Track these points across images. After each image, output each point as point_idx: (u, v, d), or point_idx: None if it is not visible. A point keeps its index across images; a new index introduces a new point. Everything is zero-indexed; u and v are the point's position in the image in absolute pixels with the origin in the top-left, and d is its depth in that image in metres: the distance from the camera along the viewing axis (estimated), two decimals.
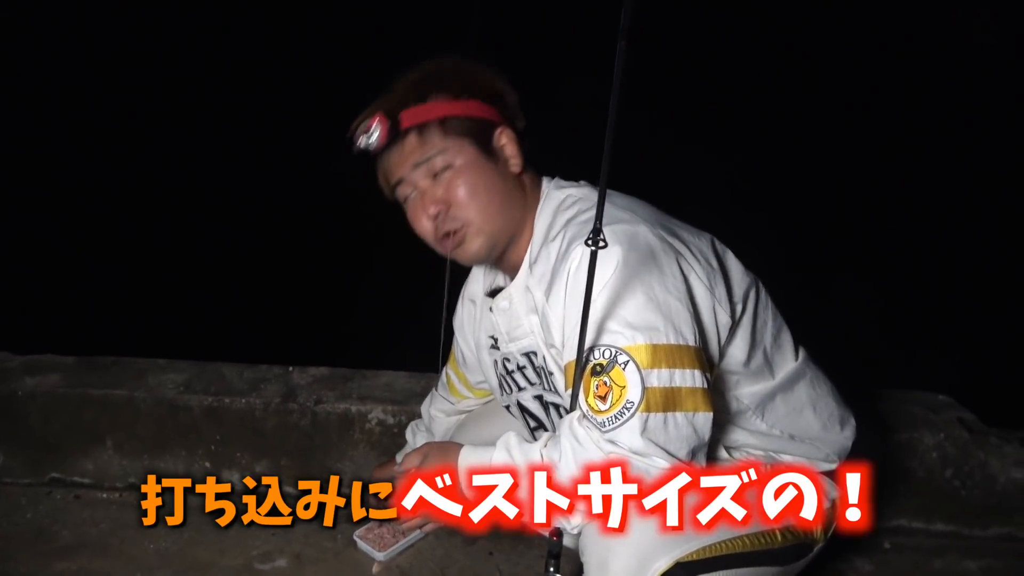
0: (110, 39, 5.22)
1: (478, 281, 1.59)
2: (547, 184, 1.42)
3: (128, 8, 5.28)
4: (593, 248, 1.02)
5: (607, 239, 1.06)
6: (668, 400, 1.15)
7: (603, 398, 1.16)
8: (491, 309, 1.47)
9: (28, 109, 4.74)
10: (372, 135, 1.29)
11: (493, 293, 1.50)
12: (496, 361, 1.53)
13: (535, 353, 1.40)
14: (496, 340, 1.50)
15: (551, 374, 1.37)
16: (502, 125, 1.36)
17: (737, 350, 1.31)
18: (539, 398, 1.47)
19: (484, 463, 1.28)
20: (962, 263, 3.96)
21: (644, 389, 1.14)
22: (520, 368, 1.46)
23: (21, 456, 2.06)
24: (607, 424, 1.16)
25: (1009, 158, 4.44)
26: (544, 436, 1.28)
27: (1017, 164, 4.36)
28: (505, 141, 1.35)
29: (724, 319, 1.26)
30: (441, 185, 1.32)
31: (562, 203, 1.36)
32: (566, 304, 1.22)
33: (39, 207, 4.25)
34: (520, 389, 1.49)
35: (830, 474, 1.43)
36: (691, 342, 1.18)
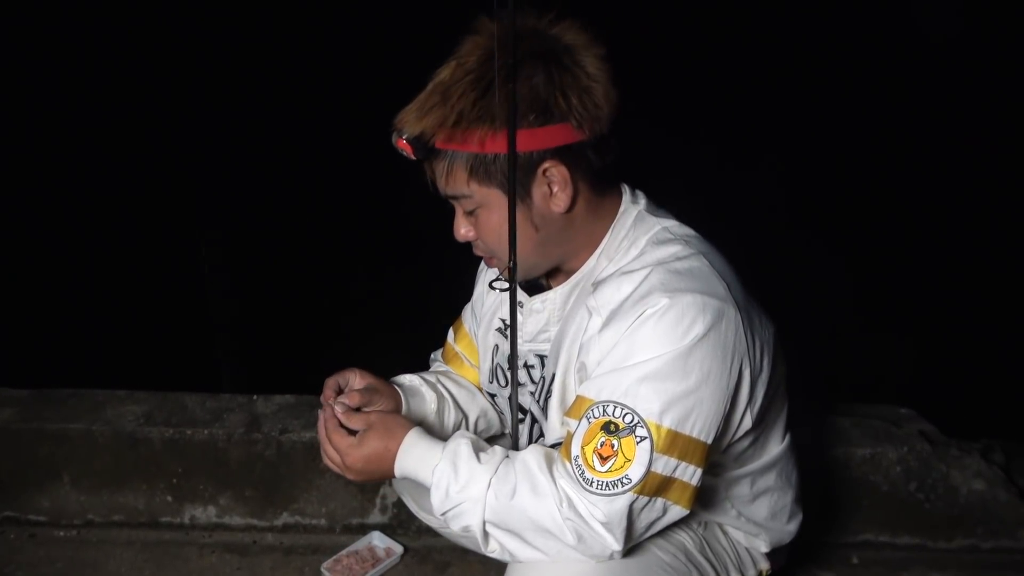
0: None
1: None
2: (627, 198, 1.29)
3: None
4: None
5: (698, 304, 1.11)
6: (661, 486, 1.13)
7: (603, 459, 1.11)
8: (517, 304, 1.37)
9: None
10: (401, 149, 1.18)
11: (528, 286, 1.39)
12: (497, 346, 1.46)
13: (547, 357, 1.34)
14: (507, 328, 1.41)
15: (550, 393, 1.31)
16: (551, 158, 1.16)
17: (738, 447, 1.28)
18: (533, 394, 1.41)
19: (424, 470, 1.23)
20: (925, 273, 4.02)
21: (648, 472, 1.10)
22: (527, 367, 1.40)
23: None
24: (594, 486, 1.11)
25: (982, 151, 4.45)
26: (495, 457, 1.21)
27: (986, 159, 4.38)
28: (553, 177, 1.18)
29: (747, 424, 1.22)
30: (472, 220, 1.24)
31: (655, 235, 1.25)
32: (617, 343, 1.15)
33: None
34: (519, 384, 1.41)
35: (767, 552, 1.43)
36: (709, 441, 1.14)
